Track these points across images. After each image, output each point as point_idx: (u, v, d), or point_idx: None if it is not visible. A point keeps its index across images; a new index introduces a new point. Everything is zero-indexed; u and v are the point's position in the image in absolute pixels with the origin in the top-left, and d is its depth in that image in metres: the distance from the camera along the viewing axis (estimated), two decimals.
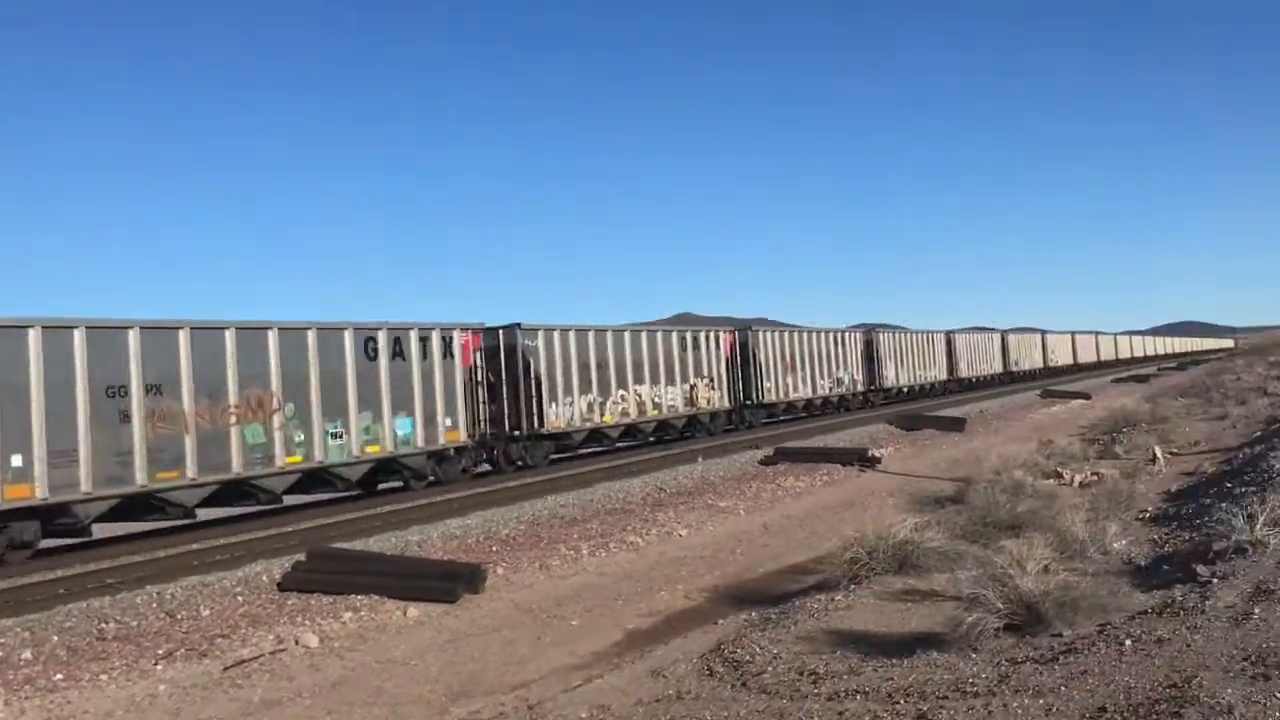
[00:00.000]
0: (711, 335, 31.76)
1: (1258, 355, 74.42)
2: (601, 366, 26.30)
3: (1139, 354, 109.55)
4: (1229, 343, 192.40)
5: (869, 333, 43.53)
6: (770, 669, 7.40)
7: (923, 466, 22.93)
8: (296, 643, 10.09)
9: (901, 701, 6.16)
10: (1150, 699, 5.52)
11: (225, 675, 9.23)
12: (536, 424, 23.89)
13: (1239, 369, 55.38)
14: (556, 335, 25.02)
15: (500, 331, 23.82)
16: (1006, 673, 6.35)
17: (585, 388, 25.62)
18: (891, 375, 44.28)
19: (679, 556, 14.09)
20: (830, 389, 38.73)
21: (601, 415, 26.11)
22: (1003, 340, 61.90)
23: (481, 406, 22.65)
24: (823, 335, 38.85)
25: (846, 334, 41.13)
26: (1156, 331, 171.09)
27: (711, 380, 31.12)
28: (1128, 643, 6.51)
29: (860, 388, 41.40)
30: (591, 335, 26.23)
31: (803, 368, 36.74)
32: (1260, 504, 8.92)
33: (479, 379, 22.66)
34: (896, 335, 46.84)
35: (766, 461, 22.81)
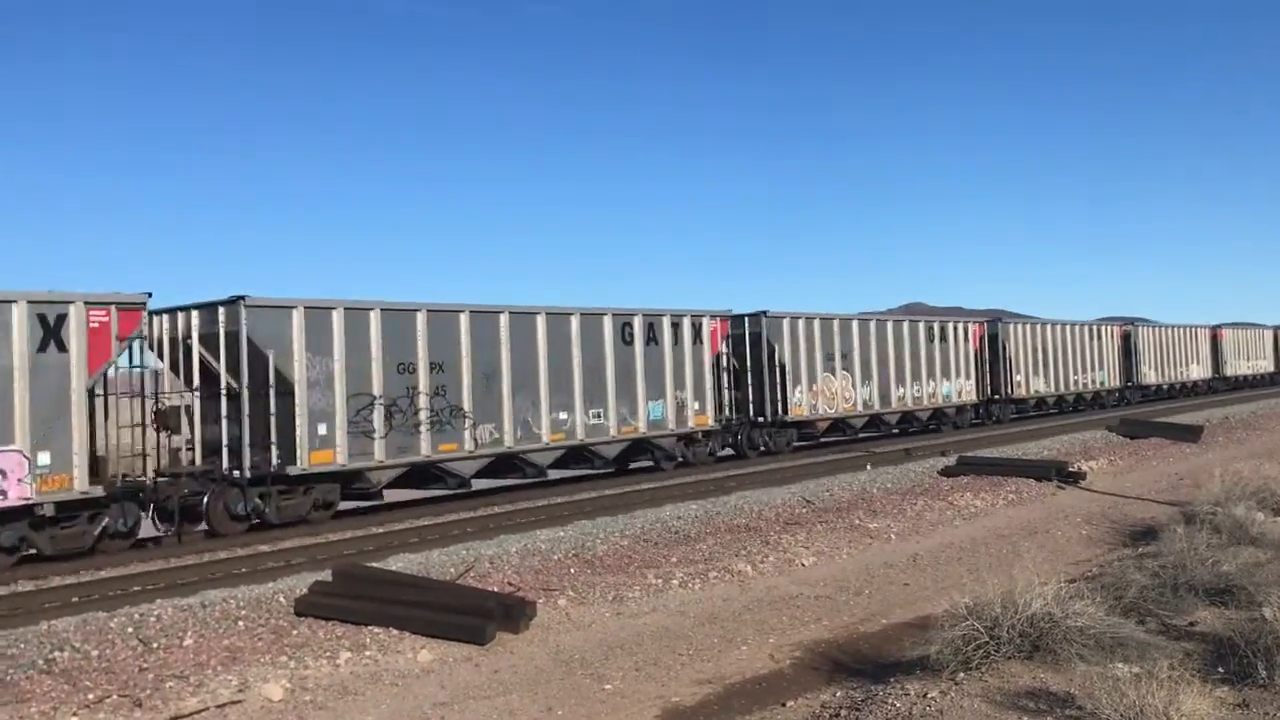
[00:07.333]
0: (959, 327, 30.77)
1: None
2: (845, 355, 26.03)
3: None
4: None
5: (1126, 327, 41.12)
6: None
7: (1135, 485, 19.79)
8: (260, 693, 8.17)
9: None
10: None
11: None
12: (780, 411, 23.92)
13: None
14: (801, 323, 24.92)
15: (746, 319, 24.04)
16: None
17: (828, 376, 25.41)
18: (1149, 372, 41.72)
19: (790, 594, 11.67)
20: (1084, 385, 37.01)
21: (844, 404, 25.81)
22: (1275, 336, 56.88)
23: (727, 392, 22.91)
24: (1075, 329, 37.23)
25: (1101, 328, 39.18)
26: None
27: (959, 373, 30.15)
28: None
29: (1116, 384, 39.26)
30: (836, 324, 25.99)
31: (1054, 362, 35.22)
32: None
33: (725, 365, 22.91)
34: (1155, 330, 44.21)
35: (947, 472, 19.85)
